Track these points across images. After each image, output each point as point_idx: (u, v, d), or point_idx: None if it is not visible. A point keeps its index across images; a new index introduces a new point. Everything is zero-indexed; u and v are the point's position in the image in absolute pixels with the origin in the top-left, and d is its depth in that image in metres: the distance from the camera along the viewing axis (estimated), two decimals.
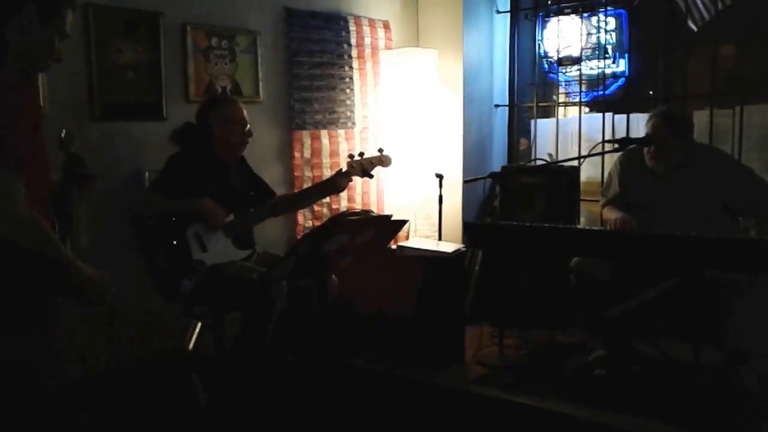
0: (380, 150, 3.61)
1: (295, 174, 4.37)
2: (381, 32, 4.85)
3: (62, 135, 2.31)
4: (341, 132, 4.62)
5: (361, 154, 3.59)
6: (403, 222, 3.40)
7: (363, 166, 3.56)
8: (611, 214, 3.58)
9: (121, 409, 1.88)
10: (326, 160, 4.52)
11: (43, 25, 1.97)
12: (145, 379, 1.75)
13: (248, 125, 3.50)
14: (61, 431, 1.75)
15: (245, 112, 3.51)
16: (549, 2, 5.14)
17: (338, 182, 3.56)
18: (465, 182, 4.72)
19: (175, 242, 3.31)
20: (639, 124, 4.42)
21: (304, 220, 4.42)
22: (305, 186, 4.38)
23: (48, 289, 1.86)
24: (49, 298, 1.86)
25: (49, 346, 1.71)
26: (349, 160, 3.61)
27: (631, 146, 3.63)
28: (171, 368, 1.87)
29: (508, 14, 5.20)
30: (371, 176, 3.64)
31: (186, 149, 3.44)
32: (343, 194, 4.45)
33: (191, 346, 1.85)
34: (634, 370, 3.50)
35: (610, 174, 3.87)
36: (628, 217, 3.47)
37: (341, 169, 3.59)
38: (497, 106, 5.24)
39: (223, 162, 3.48)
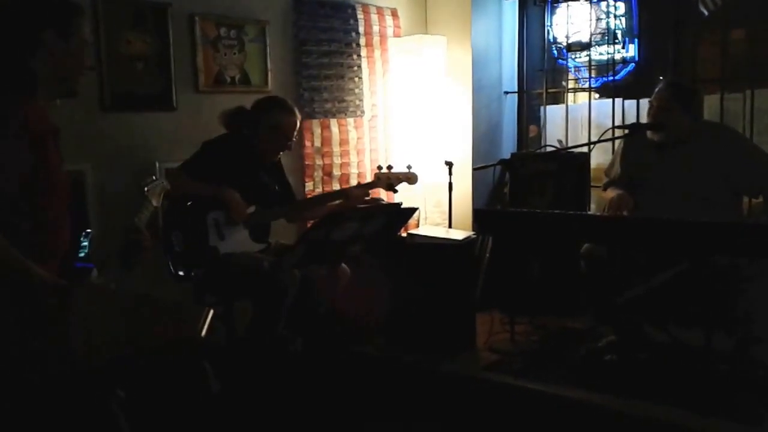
0: (408, 167, 3.65)
1: (306, 163, 4.37)
2: (389, 20, 4.84)
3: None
4: (350, 120, 4.62)
5: (390, 167, 3.63)
6: (413, 210, 3.42)
7: (389, 180, 3.61)
8: (610, 194, 3.58)
9: (133, 396, 1.91)
10: (336, 149, 4.53)
11: (66, 42, 1.99)
12: (157, 366, 1.76)
13: (293, 140, 3.52)
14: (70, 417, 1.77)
15: (297, 125, 3.52)
16: None
17: (354, 193, 3.61)
18: (475, 169, 4.71)
19: (193, 225, 3.33)
20: None
21: None
22: (316, 174, 4.39)
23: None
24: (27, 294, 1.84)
25: (30, 342, 1.70)
26: (376, 171, 3.65)
27: None
28: (183, 356, 1.89)
29: (517, 0, 5.17)
30: (395, 191, 3.68)
31: (224, 136, 3.45)
32: (353, 182, 4.46)
33: (204, 333, 1.86)
34: (644, 356, 3.51)
35: (614, 155, 3.86)
36: (626, 194, 3.46)
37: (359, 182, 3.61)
38: (506, 92, 5.23)
39: (258, 156, 3.51)
